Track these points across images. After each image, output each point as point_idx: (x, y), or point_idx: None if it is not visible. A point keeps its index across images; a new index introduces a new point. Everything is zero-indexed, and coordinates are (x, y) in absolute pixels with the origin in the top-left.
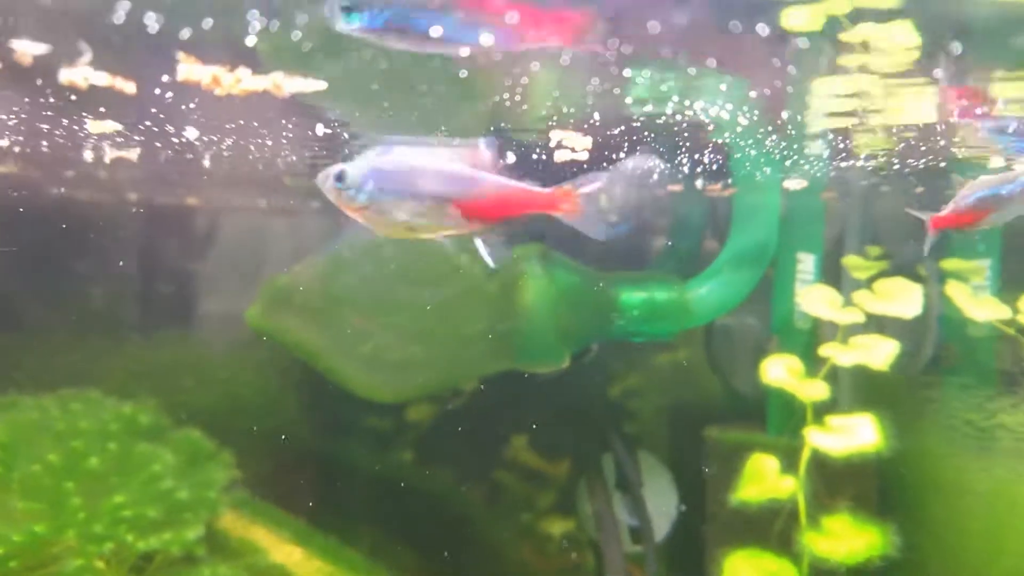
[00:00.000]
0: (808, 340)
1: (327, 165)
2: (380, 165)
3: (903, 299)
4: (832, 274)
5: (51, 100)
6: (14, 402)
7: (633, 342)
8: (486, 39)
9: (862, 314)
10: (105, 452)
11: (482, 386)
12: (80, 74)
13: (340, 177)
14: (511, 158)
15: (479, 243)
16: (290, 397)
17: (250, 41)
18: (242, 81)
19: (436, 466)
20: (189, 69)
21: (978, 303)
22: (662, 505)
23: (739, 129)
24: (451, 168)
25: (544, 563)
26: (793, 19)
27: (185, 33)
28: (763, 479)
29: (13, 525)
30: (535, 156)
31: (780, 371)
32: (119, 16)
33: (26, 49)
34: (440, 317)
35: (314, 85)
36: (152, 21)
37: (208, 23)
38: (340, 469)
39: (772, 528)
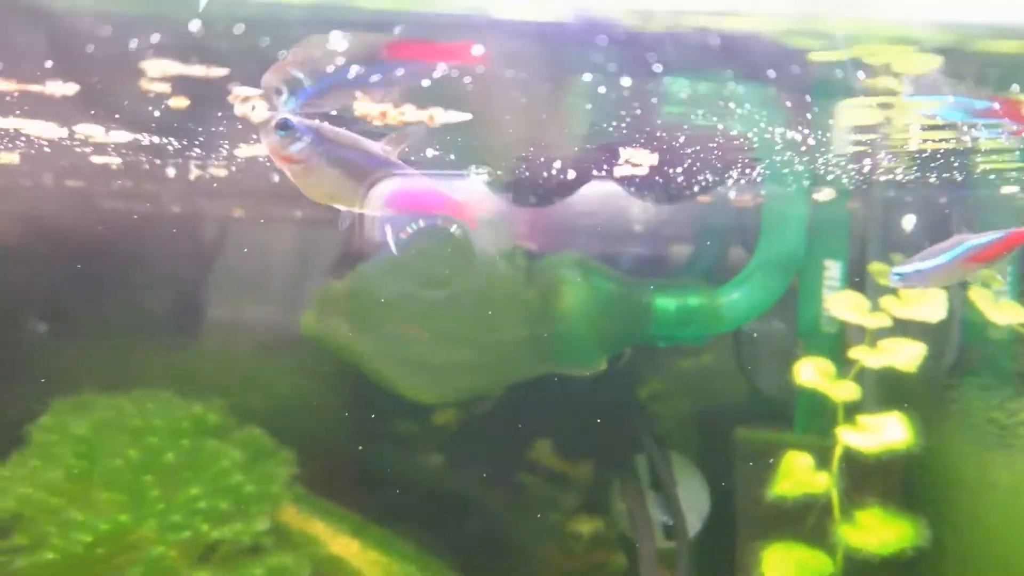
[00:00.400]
0: (834, 344)
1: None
2: (322, 127)
3: (928, 304)
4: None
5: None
6: (90, 401)
7: (663, 346)
8: (398, 75)
9: (889, 318)
10: (179, 448)
11: (517, 389)
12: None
13: (283, 125)
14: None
15: (387, 228)
16: (328, 400)
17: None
18: (404, 115)
19: (468, 466)
20: (363, 106)
21: (999, 307)
22: (693, 503)
23: (770, 141)
24: (383, 153)
25: (571, 562)
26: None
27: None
28: (797, 475)
29: (98, 515)
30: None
31: (812, 373)
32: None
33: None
34: (482, 322)
35: (460, 117)
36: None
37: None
38: (376, 470)
39: (802, 522)
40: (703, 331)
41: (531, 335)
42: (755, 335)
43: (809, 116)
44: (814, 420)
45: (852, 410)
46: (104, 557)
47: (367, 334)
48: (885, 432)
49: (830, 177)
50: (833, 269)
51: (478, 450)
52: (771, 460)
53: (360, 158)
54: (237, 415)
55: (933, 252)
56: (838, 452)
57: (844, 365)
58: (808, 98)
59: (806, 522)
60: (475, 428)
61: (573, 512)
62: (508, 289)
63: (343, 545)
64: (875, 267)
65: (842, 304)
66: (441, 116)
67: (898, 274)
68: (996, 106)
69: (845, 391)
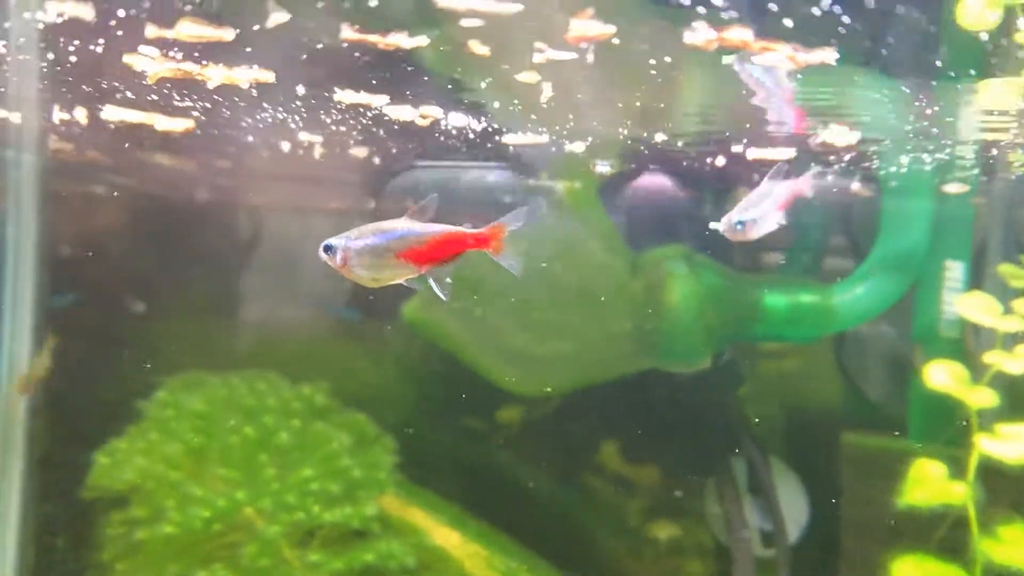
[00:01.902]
0: (954, 348)
1: None
2: (350, 243)
3: None
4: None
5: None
6: (201, 379)
7: (759, 345)
8: None
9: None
10: (290, 428)
11: (613, 386)
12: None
13: (326, 249)
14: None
15: (431, 282)
16: (412, 390)
17: None
18: None
19: (553, 463)
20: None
21: None
22: (791, 510)
23: (892, 131)
24: (399, 229)
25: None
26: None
27: None
28: (930, 484)
29: (215, 491)
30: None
31: (945, 377)
32: None
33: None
34: (586, 314)
35: None
36: None
37: None
38: (471, 462)
39: (922, 534)
40: (815, 331)
41: (635, 328)
42: (860, 336)
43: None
44: (933, 427)
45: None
46: (219, 534)
47: (468, 323)
48: None
49: (955, 169)
50: (955, 270)
51: (556, 447)
52: (881, 468)
53: (383, 246)
54: (338, 399)
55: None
56: (973, 461)
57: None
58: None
59: (928, 533)
60: (556, 424)
61: (658, 514)
62: (613, 281)
63: (444, 536)
64: (1006, 269)
65: (973, 306)
66: None
67: (740, 222)
68: None
69: (982, 397)
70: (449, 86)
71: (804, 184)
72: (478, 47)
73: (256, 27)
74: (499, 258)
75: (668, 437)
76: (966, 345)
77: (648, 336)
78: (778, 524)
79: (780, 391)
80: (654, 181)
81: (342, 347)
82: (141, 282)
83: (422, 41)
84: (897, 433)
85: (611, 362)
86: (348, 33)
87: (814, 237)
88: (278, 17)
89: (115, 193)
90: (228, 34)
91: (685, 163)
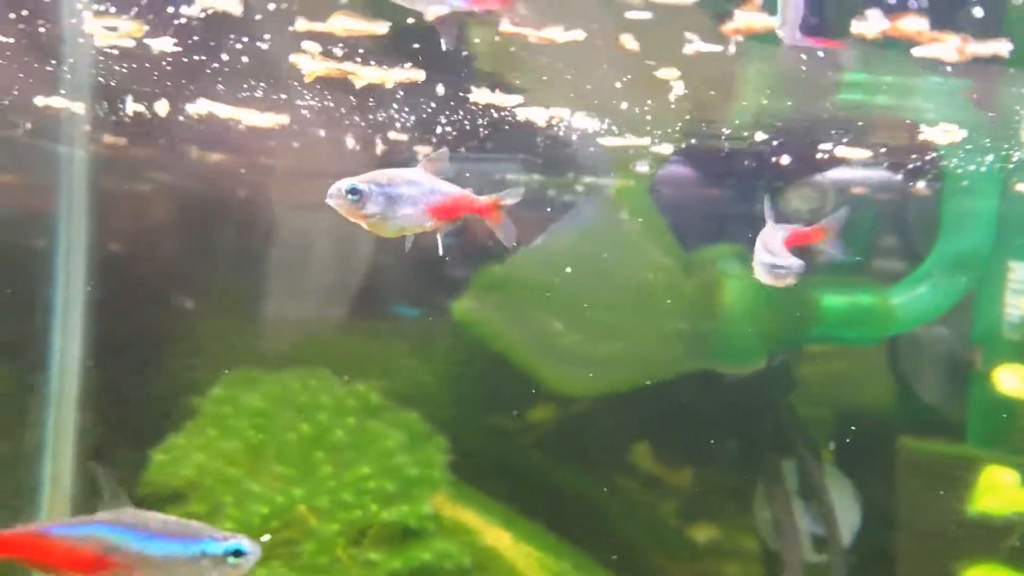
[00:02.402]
0: (1018, 352)
1: None
2: (385, 186)
3: None
4: None
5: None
6: (255, 376)
7: (810, 346)
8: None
9: None
10: (345, 426)
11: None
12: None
13: (354, 192)
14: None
15: (439, 237)
16: (458, 389)
17: None
18: None
19: (600, 463)
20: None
21: None
22: (843, 514)
23: (956, 129)
24: (429, 182)
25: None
26: None
27: None
28: (1002, 492)
29: (273, 488)
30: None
31: (1016, 382)
32: None
33: None
34: (640, 314)
35: None
36: None
37: None
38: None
39: (987, 544)
40: (874, 333)
41: (689, 329)
42: (915, 339)
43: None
44: (995, 432)
45: None
46: (277, 530)
47: (520, 322)
48: None
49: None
50: (1018, 271)
51: (602, 447)
52: (946, 473)
53: (418, 197)
54: (392, 398)
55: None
56: None
57: None
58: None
59: (996, 543)
60: (602, 424)
61: (708, 517)
62: (667, 281)
63: (496, 536)
64: None
65: None
66: None
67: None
68: None
69: None
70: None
71: (815, 235)
72: None
73: (410, 20)
74: (497, 228)
75: (718, 439)
76: None
77: (702, 337)
78: (832, 528)
79: (831, 393)
80: (705, 178)
81: (389, 346)
82: (190, 279)
83: (578, 35)
84: (954, 438)
85: (664, 363)
86: (506, 27)
87: (869, 238)
88: (438, 9)
89: (173, 190)
90: (381, 28)
91: (739, 159)
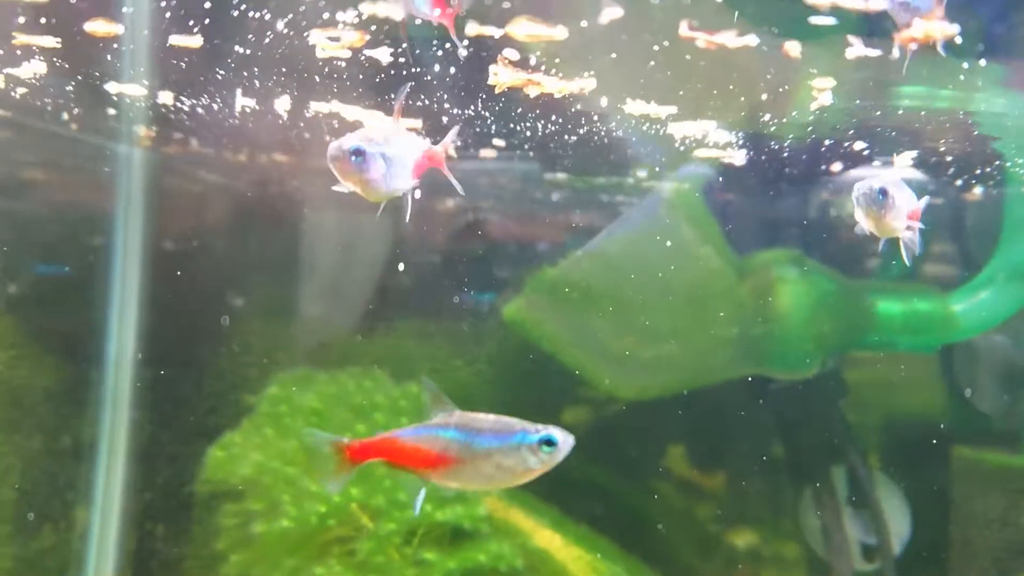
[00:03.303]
0: None
1: None
2: (384, 148)
3: None
4: None
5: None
6: (310, 376)
7: (866, 352)
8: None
9: None
10: (399, 425)
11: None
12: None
13: (358, 153)
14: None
15: (413, 191)
16: (504, 390)
17: None
18: None
19: (647, 466)
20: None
21: None
22: (894, 524)
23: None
24: (410, 139)
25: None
26: None
27: None
28: None
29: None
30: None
31: None
32: None
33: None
34: (693, 318)
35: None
36: None
37: None
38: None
39: None
40: (933, 340)
41: (742, 334)
42: (971, 346)
43: None
44: None
45: None
46: (333, 529)
47: (572, 324)
48: None
49: None
50: None
51: (650, 450)
52: (1003, 484)
53: (410, 157)
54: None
55: None
56: None
57: None
58: None
59: None
60: (651, 427)
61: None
62: (721, 285)
63: (546, 539)
64: None
65: None
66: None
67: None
68: None
69: None
70: None
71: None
72: None
73: (584, 23)
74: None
75: (767, 445)
76: None
77: (756, 342)
78: (883, 537)
79: (884, 400)
80: (761, 182)
81: (436, 347)
82: (243, 278)
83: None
84: (1011, 448)
85: (716, 367)
86: (685, 31)
87: (925, 242)
88: (612, 12)
89: (228, 190)
90: (560, 32)
91: (797, 162)
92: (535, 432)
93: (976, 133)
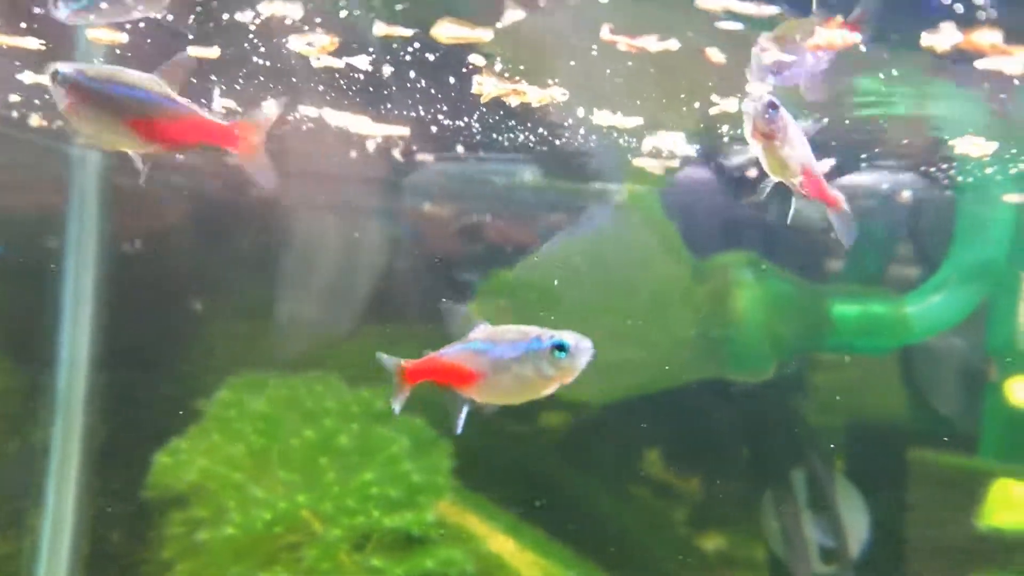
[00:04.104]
0: None
1: None
2: (87, 68)
3: None
4: None
5: None
6: (262, 381)
7: (822, 355)
8: None
9: None
10: (350, 431)
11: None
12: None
13: (55, 73)
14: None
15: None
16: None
17: None
18: None
19: (604, 470)
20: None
21: None
22: (852, 526)
23: (970, 138)
24: (136, 83)
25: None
26: None
27: None
28: (1015, 506)
29: (276, 493)
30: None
31: None
32: None
33: None
34: (650, 321)
35: None
36: None
37: None
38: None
39: (999, 558)
40: (887, 342)
41: (700, 336)
42: (928, 349)
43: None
44: (1011, 445)
45: None
46: (279, 536)
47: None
48: None
49: None
50: None
51: (607, 454)
52: (959, 486)
53: (116, 97)
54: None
55: None
56: None
57: None
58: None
59: (1009, 558)
60: (609, 432)
61: (712, 525)
62: (678, 287)
63: (500, 543)
64: None
65: None
66: None
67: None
68: None
69: None
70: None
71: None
72: None
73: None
74: (250, 165)
75: (727, 448)
76: None
77: (713, 344)
78: (840, 540)
79: (843, 403)
80: (719, 184)
81: (400, 350)
82: (201, 280)
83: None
84: (968, 450)
85: (674, 370)
86: (606, 34)
87: (880, 245)
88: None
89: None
90: (487, 34)
91: (751, 166)
92: (548, 338)
93: (930, 135)
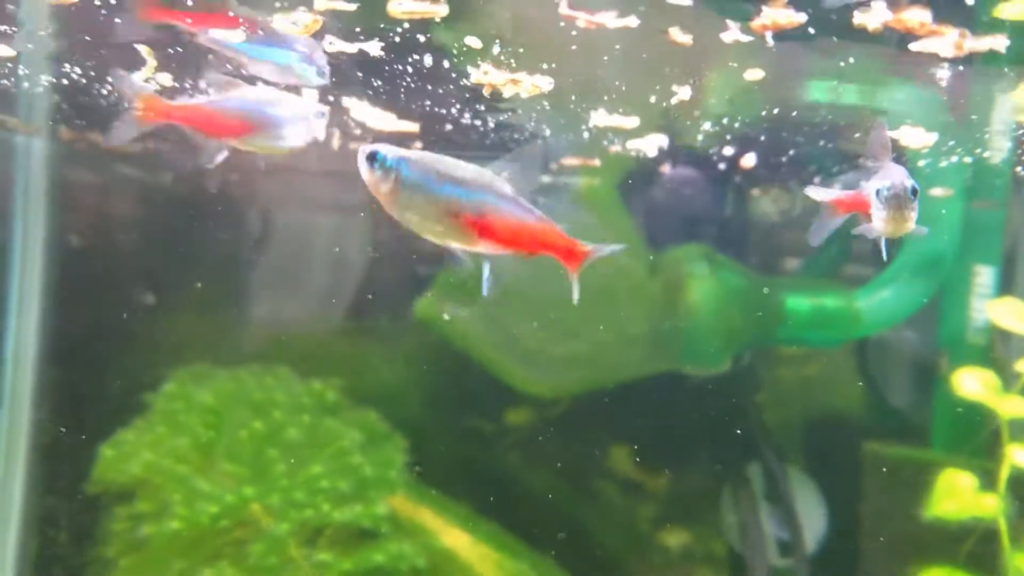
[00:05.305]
0: (982, 356)
1: None
2: (410, 155)
3: None
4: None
5: None
6: (210, 373)
7: (779, 349)
8: None
9: None
10: (300, 424)
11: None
12: None
13: (372, 157)
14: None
15: (486, 269)
16: (423, 389)
17: None
18: None
19: (563, 465)
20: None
21: None
22: (809, 519)
23: (923, 132)
24: (477, 178)
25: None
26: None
27: None
28: (959, 496)
29: (223, 486)
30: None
31: (975, 385)
32: None
33: None
34: (604, 315)
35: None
36: None
37: None
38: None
39: (946, 546)
40: (839, 335)
41: (654, 330)
42: (883, 342)
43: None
44: (960, 436)
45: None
46: (226, 530)
47: (483, 322)
48: None
49: (984, 172)
50: (984, 275)
51: (567, 449)
52: (910, 478)
53: (451, 188)
54: (350, 397)
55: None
56: (1005, 473)
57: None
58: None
59: (955, 547)
60: (568, 426)
61: (670, 521)
62: (632, 282)
63: (454, 537)
64: None
65: (1003, 312)
66: None
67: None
68: None
69: (1013, 406)
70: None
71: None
72: None
73: None
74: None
75: (682, 442)
76: (995, 352)
77: (667, 338)
78: (796, 533)
79: (799, 397)
80: (676, 178)
81: (355, 344)
82: (154, 274)
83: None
84: (921, 442)
85: (629, 363)
86: (565, 9)
87: (834, 238)
88: None
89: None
90: (442, 9)
91: (708, 160)
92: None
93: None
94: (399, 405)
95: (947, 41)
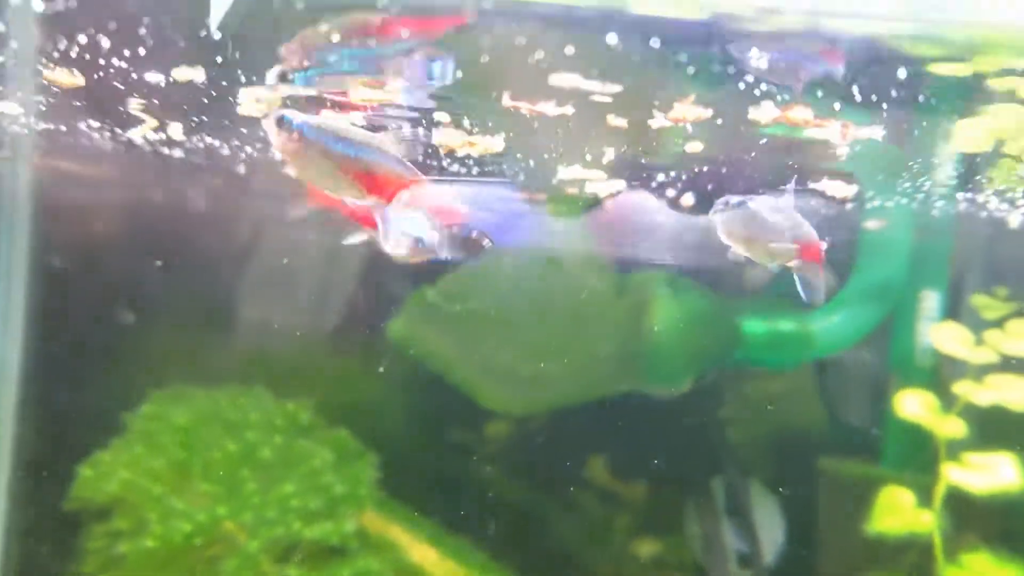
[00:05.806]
0: (930, 377)
1: None
2: (311, 119)
3: None
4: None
5: None
6: (187, 393)
7: (739, 370)
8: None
9: (995, 353)
10: (273, 444)
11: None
12: None
13: (280, 120)
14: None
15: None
16: (398, 406)
17: None
18: None
19: (534, 480)
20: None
21: None
22: (768, 532)
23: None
24: (366, 139)
25: None
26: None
27: None
28: (900, 512)
29: (197, 505)
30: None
31: (916, 406)
32: None
33: None
34: (572, 336)
35: None
36: None
37: None
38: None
39: (891, 559)
40: (793, 357)
41: (619, 350)
42: (840, 363)
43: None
44: (908, 455)
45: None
46: (200, 548)
47: (455, 342)
48: (997, 472)
49: (933, 200)
50: (931, 300)
51: (538, 465)
52: (858, 494)
53: (345, 146)
54: (323, 416)
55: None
56: (940, 490)
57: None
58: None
59: (898, 560)
60: (539, 442)
61: (640, 533)
62: (599, 303)
63: (422, 553)
64: (979, 300)
65: (946, 336)
66: None
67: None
68: None
69: (951, 427)
70: None
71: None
72: None
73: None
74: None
75: (648, 458)
76: (941, 374)
77: (632, 358)
78: (754, 546)
79: (761, 415)
80: (639, 204)
81: (331, 362)
82: (132, 293)
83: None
84: (873, 459)
85: (595, 383)
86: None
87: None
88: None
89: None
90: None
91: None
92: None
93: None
94: (373, 421)
95: (832, 131)
